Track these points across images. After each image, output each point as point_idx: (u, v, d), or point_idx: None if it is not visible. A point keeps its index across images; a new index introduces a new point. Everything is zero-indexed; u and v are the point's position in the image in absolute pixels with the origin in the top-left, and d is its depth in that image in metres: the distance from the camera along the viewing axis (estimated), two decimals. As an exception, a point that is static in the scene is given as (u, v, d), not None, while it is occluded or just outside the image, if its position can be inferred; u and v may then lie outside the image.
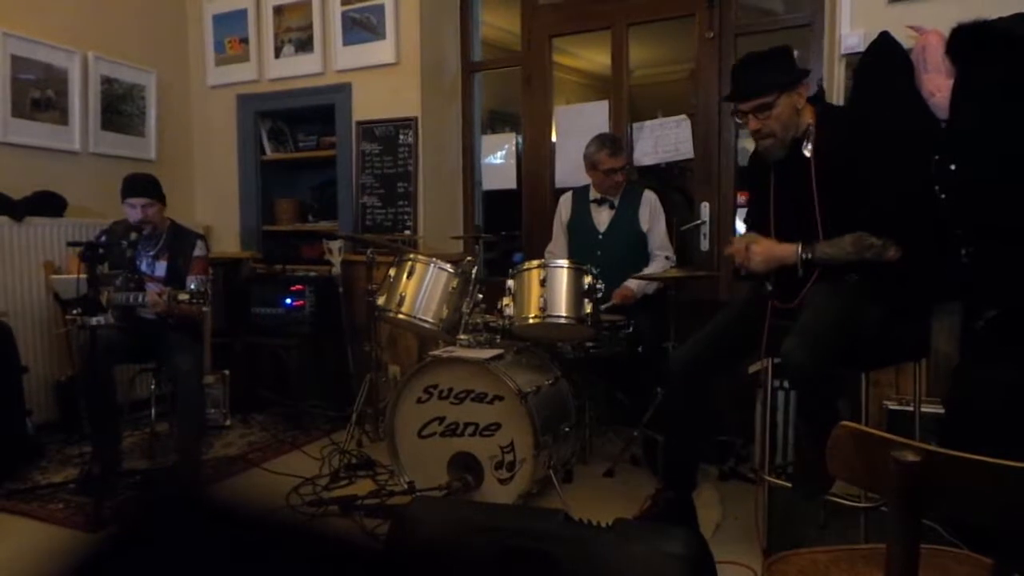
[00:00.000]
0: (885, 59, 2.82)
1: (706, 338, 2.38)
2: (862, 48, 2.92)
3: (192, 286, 2.79)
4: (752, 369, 2.75)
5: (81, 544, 0.45)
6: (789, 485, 2.28)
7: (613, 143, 3.43)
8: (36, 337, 3.67)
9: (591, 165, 3.43)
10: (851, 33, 3.01)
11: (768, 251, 2.24)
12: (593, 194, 3.51)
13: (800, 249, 2.18)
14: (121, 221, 3.18)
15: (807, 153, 2.23)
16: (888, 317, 2.14)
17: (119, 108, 4.31)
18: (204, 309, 2.93)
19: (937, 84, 2.66)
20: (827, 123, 2.24)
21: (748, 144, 3.73)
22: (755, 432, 3.01)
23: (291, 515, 2.40)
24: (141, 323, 3.03)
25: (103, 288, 2.85)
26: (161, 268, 3.15)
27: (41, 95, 3.89)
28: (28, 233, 3.68)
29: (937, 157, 2.52)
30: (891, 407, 2.75)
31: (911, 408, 2.45)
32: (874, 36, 2.86)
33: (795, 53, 2.44)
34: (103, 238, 3.15)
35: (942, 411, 2.46)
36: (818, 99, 2.35)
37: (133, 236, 2.98)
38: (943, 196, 2.49)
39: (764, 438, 2.59)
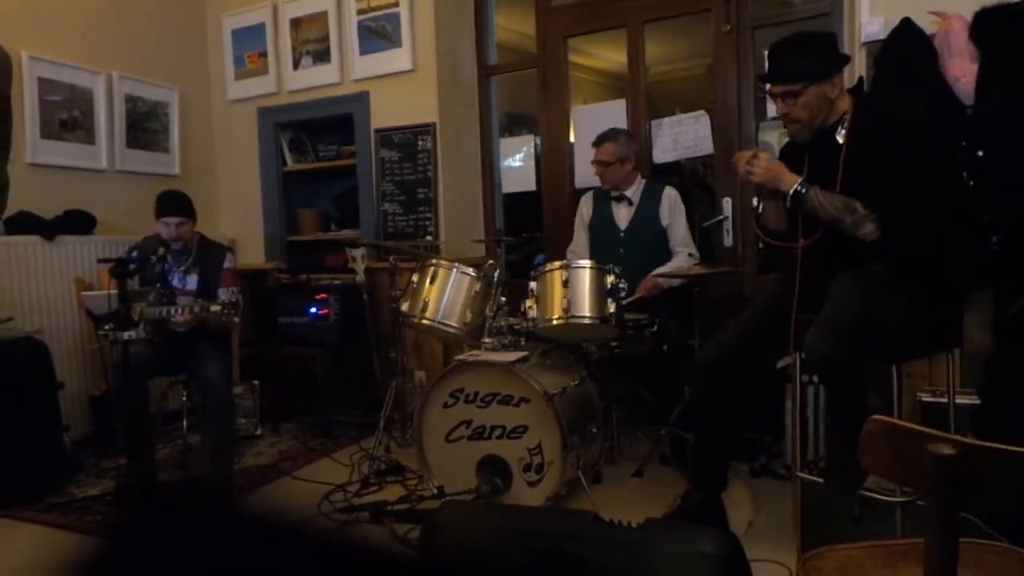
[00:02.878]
0: (908, 46, 2.77)
1: (733, 335, 2.36)
2: (883, 35, 2.88)
3: (223, 297, 2.84)
4: (780, 364, 2.72)
5: (90, 547, 0.46)
6: (822, 481, 2.25)
7: (599, 136, 3.46)
8: (70, 353, 3.74)
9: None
10: (872, 20, 2.97)
11: (774, 166, 2.20)
12: (611, 192, 3.51)
13: (800, 183, 2.15)
14: (151, 236, 3.24)
15: (840, 139, 2.21)
16: (916, 307, 2.10)
17: (143, 125, 4.39)
18: (236, 319, 2.97)
19: (962, 69, 2.62)
20: (863, 112, 2.22)
21: (769, 138, 3.71)
22: (785, 428, 2.98)
23: (321, 524, 2.41)
24: (172, 336, 3.08)
25: (135, 303, 2.90)
26: (192, 282, 3.20)
27: (68, 116, 3.98)
28: (59, 251, 3.76)
29: (964, 143, 2.47)
30: (924, 399, 2.70)
31: (945, 400, 2.41)
32: (895, 23, 2.82)
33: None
34: (134, 253, 3.21)
35: (977, 401, 2.41)
36: (858, 90, 2.33)
37: (161, 251, 3.03)
38: (971, 183, 2.44)
39: (795, 434, 2.56)
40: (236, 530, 0.48)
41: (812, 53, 2.21)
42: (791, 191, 2.16)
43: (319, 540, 0.48)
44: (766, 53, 2.29)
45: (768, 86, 2.28)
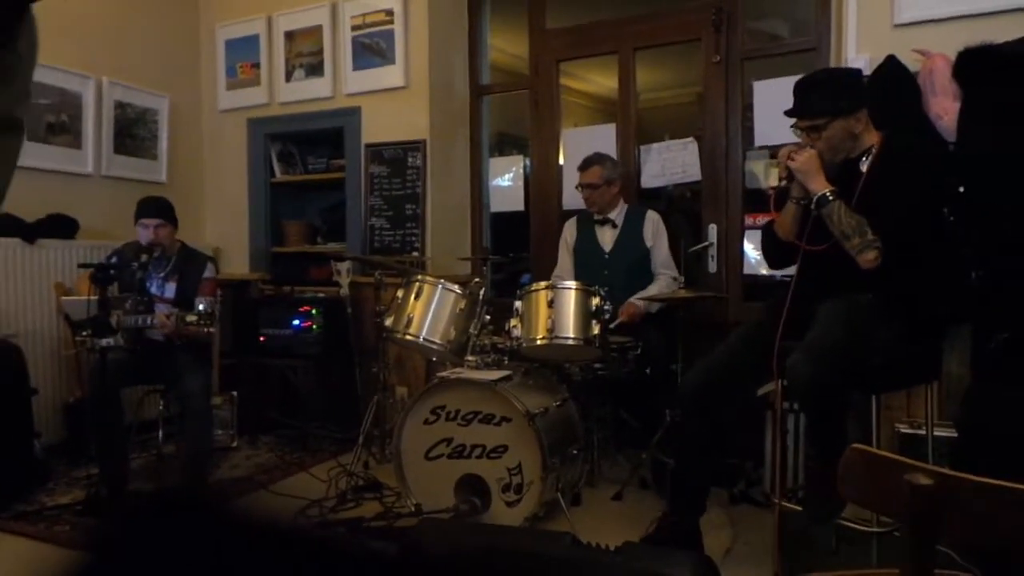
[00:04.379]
0: (892, 82, 2.83)
1: (717, 361, 2.37)
2: (868, 71, 2.94)
3: (200, 307, 2.82)
4: (762, 391, 2.74)
5: (74, 558, 0.45)
6: (800, 509, 2.25)
7: (585, 160, 3.51)
8: (46, 359, 3.68)
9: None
10: (857, 57, 3.02)
11: (814, 163, 2.22)
12: (596, 215, 3.54)
13: (830, 191, 2.18)
14: (131, 243, 3.21)
15: (863, 168, 2.26)
16: (899, 339, 2.13)
17: (132, 132, 4.37)
18: (211, 330, 2.94)
19: (944, 107, 2.67)
20: (890, 148, 2.26)
21: (755, 167, 3.75)
22: (765, 455, 2.99)
23: (302, 525, 2.38)
24: (150, 345, 3.04)
25: (113, 310, 2.87)
26: (171, 290, 3.17)
27: (56, 119, 3.95)
28: (40, 255, 3.71)
29: (945, 179, 2.52)
30: (903, 430, 2.72)
31: (923, 431, 2.43)
32: (880, 60, 2.88)
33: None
34: (114, 259, 3.18)
35: (955, 434, 2.43)
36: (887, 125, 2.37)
37: (143, 258, 3.00)
38: (952, 218, 2.49)
39: (775, 461, 2.57)
40: (221, 533, 0.48)
41: (836, 89, 2.26)
42: (819, 193, 2.19)
43: (304, 542, 0.48)
44: (793, 89, 2.32)
45: (794, 121, 2.31)
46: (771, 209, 2.45)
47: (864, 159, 2.27)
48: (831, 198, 2.18)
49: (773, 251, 2.49)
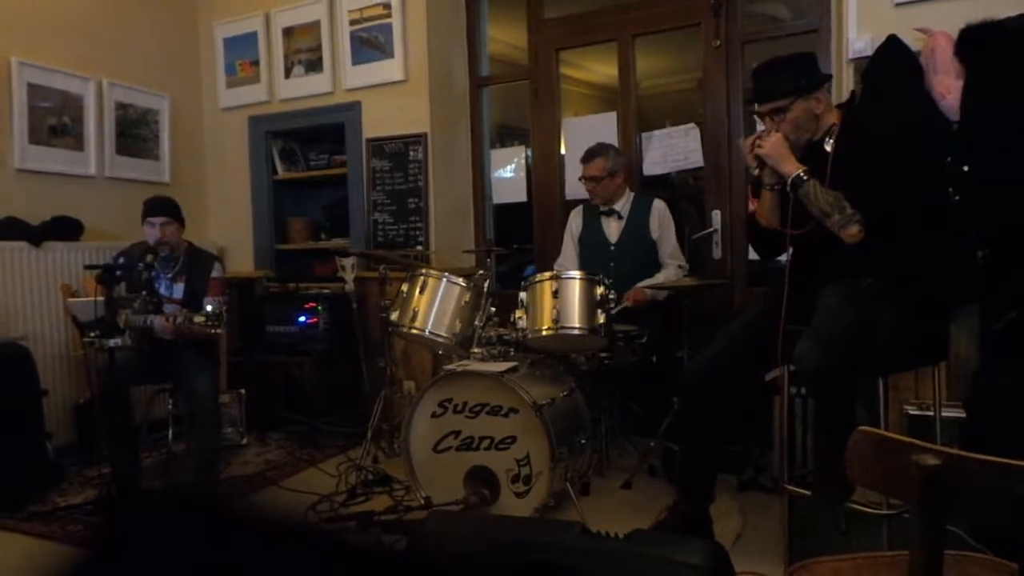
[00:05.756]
0: (894, 62, 2.81)
1: (721, 347, 2.36)
2: (870, 52, 2.92)
3: (209, 308, 2.82)
4: (769, 376, 2.73)
5: (76, 554, 0.45)
6: (809, 493, 2.25)
7: (588, 152, 3.49)
8: (55, 360, 3.71)
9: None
10: (858, 37, 3.00)
11: (782, 146, 2.22)
12: (601, 207, 3.52)
13: (803, 171, 2.18)
14: (138, 243, 3.22)
15: (828, 148, 2.25)
16: (905, 320, 2.12)
17: (133, 132, 4.37)
18: (218, 331, 2.95)
19: (947, 86, 2.65)
20: (851, 124, 2.26)
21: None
22: (773, 441, 2.98)
23: (312, 523, 2.39)
24: (158, 344, 3.05)
25: (121, 310, 2.88)
26: (179, 290, 3.18)
27: (58, 122, 3.96)
28: (46, 257, 3.73)
29: (949, 159, 2.50)
30: (911, 412, 2.71)
31: (931, 413, 2.42)
32: (881, 40, 2.86)
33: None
34: (120, 260, 3.18)
35: (963, 415, 2.42)
36: (848, 103, 2.37)
37: (149, 258, 3.01)
38: (957, 198, 2.47)
39: (783, 446, 2.56)
40: (228, 531, 0.48)
41: (794, 71, 2.27)
42: (793, 175, 2.19)
43: (312, 541, 0.48)
44: (752, 75, 2.32)
45: (756, 106, 2.32)
46: (750, 199, 2.45)
47: (828, 139, 2.26)
48: (805, 178, 2.17)
49: (759, 241, 2.49)
